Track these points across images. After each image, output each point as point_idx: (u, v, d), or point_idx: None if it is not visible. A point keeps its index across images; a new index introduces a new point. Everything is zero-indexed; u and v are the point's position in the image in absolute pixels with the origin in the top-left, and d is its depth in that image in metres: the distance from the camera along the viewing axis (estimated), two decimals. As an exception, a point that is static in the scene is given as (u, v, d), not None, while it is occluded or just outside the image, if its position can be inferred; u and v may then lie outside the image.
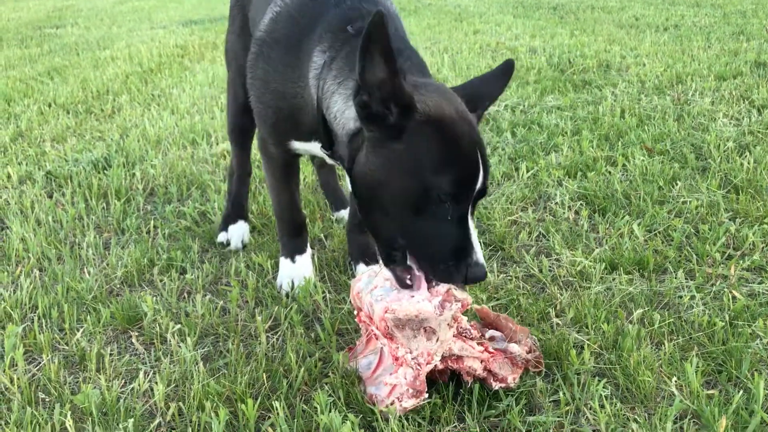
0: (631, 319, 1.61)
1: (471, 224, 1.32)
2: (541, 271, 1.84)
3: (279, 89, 1.58)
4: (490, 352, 1.36)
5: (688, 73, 3.88)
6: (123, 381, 1.47)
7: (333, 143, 1.48)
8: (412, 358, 1.31)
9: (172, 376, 1.45)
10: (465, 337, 1.36)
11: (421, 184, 1.28)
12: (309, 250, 1.89)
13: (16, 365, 1.51)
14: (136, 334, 1.64)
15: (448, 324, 1.32)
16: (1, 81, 4.63)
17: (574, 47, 4.87)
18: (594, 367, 1.44)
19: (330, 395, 1.36)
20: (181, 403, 1.37)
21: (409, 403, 1.29)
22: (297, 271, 1.84)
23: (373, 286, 1.40)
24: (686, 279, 1.78)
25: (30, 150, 3.06)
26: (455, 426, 1.31)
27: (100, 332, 1.65)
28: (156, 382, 1.43)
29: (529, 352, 1.40)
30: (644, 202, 2.20)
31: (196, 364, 1.48)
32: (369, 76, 1.23)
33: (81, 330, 1.64)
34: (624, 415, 1.30)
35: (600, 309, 1.63)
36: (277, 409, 1.31)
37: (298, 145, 1.65)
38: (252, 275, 1.88)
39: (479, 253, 1.31)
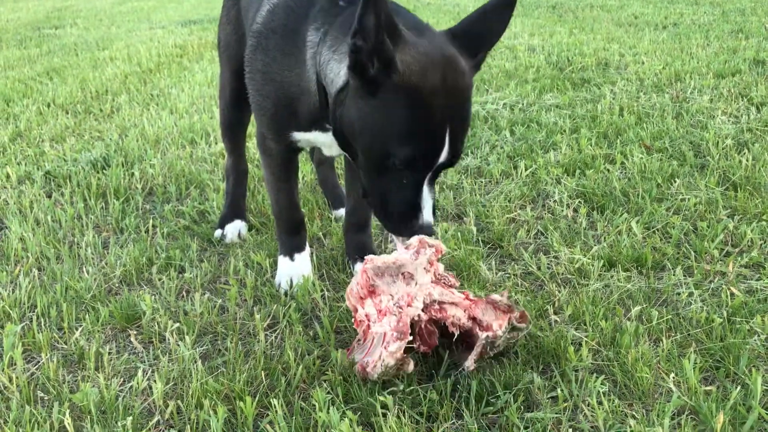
0: (629, 316, 1.61)
1: (426, 189, 1.38)
2: (539, 268, 1.85)
3: (278, 79, 1.59)
4: (471, 300, 1.43)
5: (686, 71, 3.88)
6: (122, 379, 1.48)
7: None
8: (394, 304, 1.37)
9: (171, 375, 1.46)
10: (444, 283, 1.43)
11: (381, 147, 1.34)
12: (308, 249, 1.89)
13: (15, 364, 1.51)
14: (135, 332, 1.64)
15: (424, 268, 1.41)
16: (0, 81, 4.63)
17: (573, 45, 4.87)
18: (592, 363, 1.45)
19: (328, 393, 1.37)
20: (179, 401, 1.37)
21: (394, 347, 1.32)
22: (296, 270, 1.84)
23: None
24: (684, 276, 1.78)
25: (29, 150, 3.06)
26: (453, 423, 1.31)
27: (98, 331, 1.65)
28: (155, 381, 1.43)
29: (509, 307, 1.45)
30: (642, 200, 2.20)
31: (195, 362, 1.48)
32: (366, 21, 1.25)
33: (80, 329, 1.64)
34: (622, 411, 1.31)
35: (598, 306, 1.63)
36: (275, 407, 1.31)
37: (298, 136, 1.66)
38: (251, 274, 1.88)
39: (427, 215, 1.39)
